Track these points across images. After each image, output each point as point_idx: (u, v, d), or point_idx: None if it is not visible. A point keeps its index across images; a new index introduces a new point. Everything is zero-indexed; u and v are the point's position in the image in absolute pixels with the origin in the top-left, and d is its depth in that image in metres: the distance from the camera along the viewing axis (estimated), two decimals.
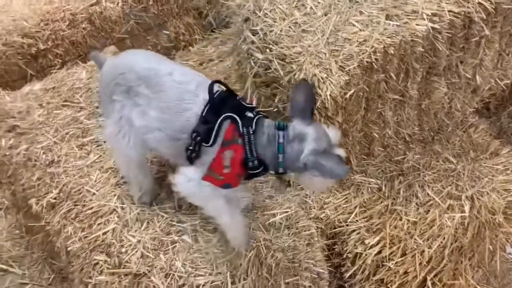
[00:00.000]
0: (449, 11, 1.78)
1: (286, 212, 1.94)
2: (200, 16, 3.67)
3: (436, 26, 1.76)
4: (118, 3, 2.96)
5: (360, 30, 1.84)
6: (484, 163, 2.14)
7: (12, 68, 2.79)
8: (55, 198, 2.06)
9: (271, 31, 1.99)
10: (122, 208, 1.93)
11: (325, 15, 1.94)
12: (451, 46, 1.85)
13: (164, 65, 1.66)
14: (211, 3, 3.81)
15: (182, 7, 3.26)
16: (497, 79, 2.14)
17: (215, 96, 1.55)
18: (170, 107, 1.59)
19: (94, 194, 2.01)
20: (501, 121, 2.89)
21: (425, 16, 1.79)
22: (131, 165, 1.82)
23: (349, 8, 1.94)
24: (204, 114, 1.54)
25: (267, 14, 2.05)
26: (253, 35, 2.09)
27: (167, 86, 1.60)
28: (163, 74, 1.61)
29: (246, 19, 2.15)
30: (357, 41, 1.81)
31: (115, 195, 1.99)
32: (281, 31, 1.97)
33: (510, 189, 2.11)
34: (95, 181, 2.07)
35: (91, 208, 1.95)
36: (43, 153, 2.22)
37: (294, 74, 1.90)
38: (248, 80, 2.21)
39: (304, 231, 1.93)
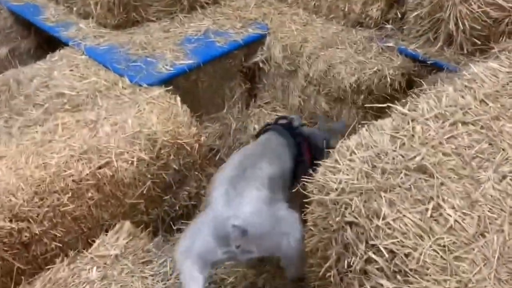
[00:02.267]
0: None
1: None
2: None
3: None
4: (132, 162, 2.34)
5: None
6: None
7: None
8: None
9: (407, 255, 1.47)
10: None
11: (482, 236, 1.45)
12: None
13: None
14: (222, 139, 3.31)
15: (205, 156, 2.68)
16: None
17: None
18: None
19: None
20: None
21: None
22: None
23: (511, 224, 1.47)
24: None
25: (390, 224, 1.54)
26: (371, 250, 1.55)
27: None
28: None
29: (350, 223, 1.61)
30: None
31: None
32: (422, 255, 1.45)
33: None
34: None
35: None
36: None
37: None
38: None
39: None
